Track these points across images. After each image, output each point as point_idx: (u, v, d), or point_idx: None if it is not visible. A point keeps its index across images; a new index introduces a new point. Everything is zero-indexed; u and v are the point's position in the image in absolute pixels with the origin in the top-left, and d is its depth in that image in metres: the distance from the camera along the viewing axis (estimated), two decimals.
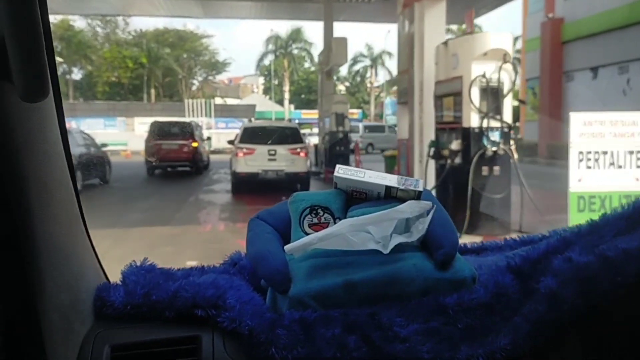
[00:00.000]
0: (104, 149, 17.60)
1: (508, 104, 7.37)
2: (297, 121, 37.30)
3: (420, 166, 9.69)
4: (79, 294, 0.85)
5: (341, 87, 55.94)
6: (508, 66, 7.26)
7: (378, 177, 0.82)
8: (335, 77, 22.01)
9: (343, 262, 0.82)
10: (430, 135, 9.17)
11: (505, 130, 7.31)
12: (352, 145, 18.62)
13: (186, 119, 29.63)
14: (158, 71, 51.70)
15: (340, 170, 0.82)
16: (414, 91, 9.83)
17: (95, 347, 0.82)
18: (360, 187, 0.83)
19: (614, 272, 0.74)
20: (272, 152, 14.43)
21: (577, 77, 23.42)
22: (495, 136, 7.27)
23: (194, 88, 56.13)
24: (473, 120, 7.32)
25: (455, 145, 7.47)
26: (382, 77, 61.70)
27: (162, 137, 19.20)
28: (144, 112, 39.24)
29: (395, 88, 61.79)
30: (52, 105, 0.79)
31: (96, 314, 0.88)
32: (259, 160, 14.31)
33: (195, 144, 19.55)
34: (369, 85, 61.16)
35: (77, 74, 51.88)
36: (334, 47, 17.46)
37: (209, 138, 24.13)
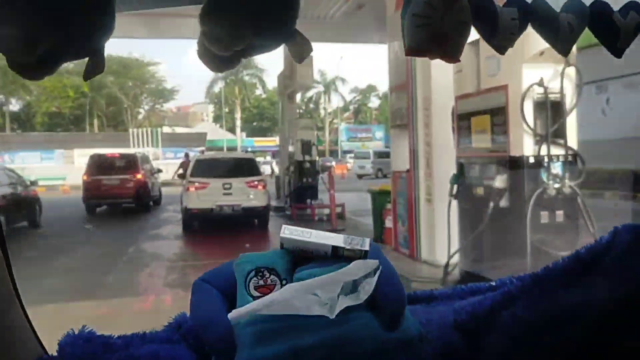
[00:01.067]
0: (35, 186, 15.63)
1: (572, 124, 5.29)
2: (249, 149, 36.31)
3: (429, 206, 7.50)
4: None
5: None
6: (571, 70, 5.21)
7: (324, 237, 0.81)
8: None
9: (290, 326, 0.77)
10: (441, 166, 7.07)
11: (570, 159, 5.21)
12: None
13: (131, 150, 27.89)
14: (101, 100, 49.91)
15: (286, 231, 0.81)
16: (416, 110, 7.68)
17: None
18: (306, 247, 0.82)
19: (557, 329, 0.74)
20: (227, 186, 13.41)
21: None
22: (557, 168, 5.16)
23: (140, 117, 53.88)
24: (526, 146, 5.19)
25: (500, 182, 5.32)
26: (335, 103, 61.08)
27: (102, 172, 17.93)
28: (85, 143, 37.95)
29: (348, 114, 61.21)
30: None
31: None
32: (212, 195, 13.25)
33: (139, 177, 17.71)
34: (322, 111, 60.08)
35: (15, 105, 49.60)
36: (299, 67, 15.56)
37: (159, 170, 21.98)
